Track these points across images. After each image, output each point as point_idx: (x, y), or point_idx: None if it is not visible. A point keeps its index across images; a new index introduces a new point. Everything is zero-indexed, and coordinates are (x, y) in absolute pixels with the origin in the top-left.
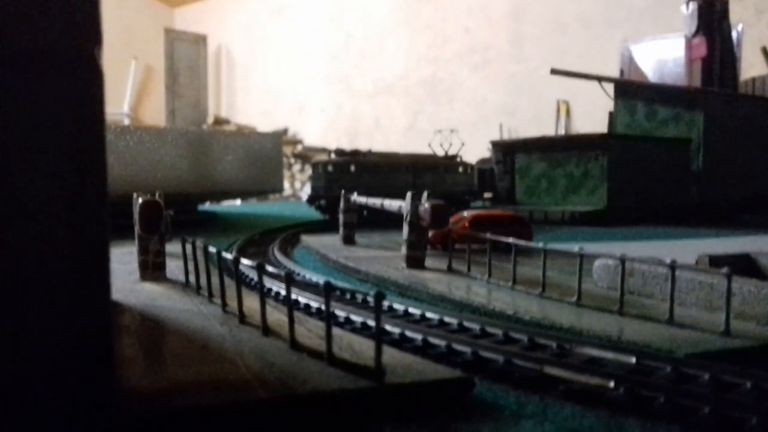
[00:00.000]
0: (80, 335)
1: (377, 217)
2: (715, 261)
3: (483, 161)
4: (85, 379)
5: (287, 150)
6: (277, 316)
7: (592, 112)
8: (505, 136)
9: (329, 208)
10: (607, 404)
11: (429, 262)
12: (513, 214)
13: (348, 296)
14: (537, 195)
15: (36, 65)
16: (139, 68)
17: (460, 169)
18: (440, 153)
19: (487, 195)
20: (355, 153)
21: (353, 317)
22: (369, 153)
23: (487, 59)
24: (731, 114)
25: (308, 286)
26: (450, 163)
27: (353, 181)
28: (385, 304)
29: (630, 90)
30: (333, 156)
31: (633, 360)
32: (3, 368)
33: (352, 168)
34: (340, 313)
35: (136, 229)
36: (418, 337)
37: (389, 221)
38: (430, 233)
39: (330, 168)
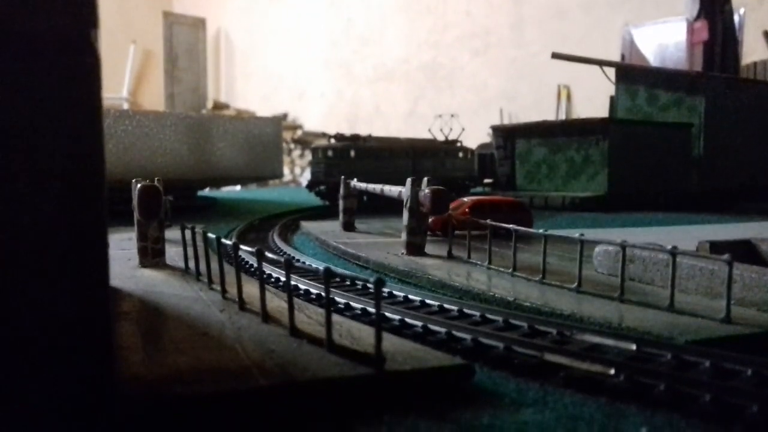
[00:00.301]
0: (79, 322)
1: (377, 203)
2: (716, 247)
3: (483, 146)
4: (84, 366)
5: (287, 135)
6: (276, 302)
7: (593, 97)
8: (506, 122)
9: (329, 193)
10: (607, 391)
11: (429, 248)
12: (513, 199)
13: (348, 282)
14: (537, 180)
15: (32, 48)
16: (138, 52)
17: (460, 155)
18: (440, 138)
19: (488, 180)
20: (355, 138)
21: (353, 304)
22: (369, 138)
23: (488, 44)
24: (732, 99)
25: (308, 273)
26: (450, 148)
27: (353, 166)
28: (385, 290)
29: (631, 74)
30: (333, 141)
31: (633, 347)
32: (1, 356)
33: (352, 153)
34: (340, 300)
35: (136, 215)
36: (418, 323)
37: (389, 207)
38: (430, 219)
39: (330, 153)
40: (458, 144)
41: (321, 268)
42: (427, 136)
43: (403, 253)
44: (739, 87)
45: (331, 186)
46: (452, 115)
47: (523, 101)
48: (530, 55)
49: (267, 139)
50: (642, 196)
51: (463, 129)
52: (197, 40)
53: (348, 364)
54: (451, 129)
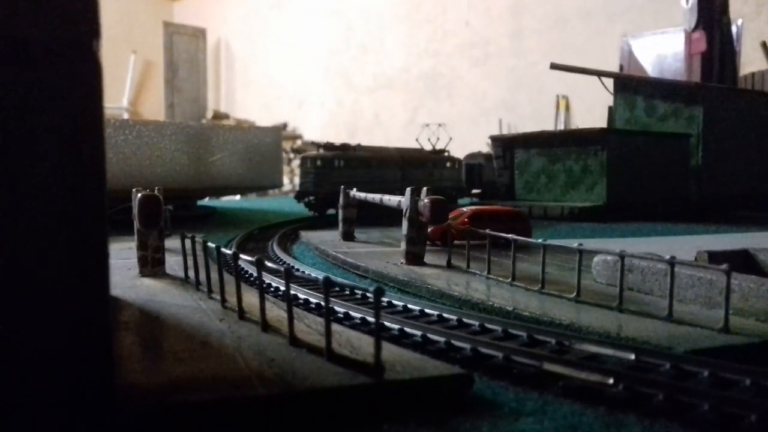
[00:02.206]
0: (79, 331)
1: (370, 212)
2: (715, 257)
3: (471, 156)
4: (84, 374)
5: (287, 145)
6: (276, 311)
7: (592, 107)
8: (505, 131)
9: (318, 204)
10: (606, 401)
11: (428, 257)
12: (512, 209)
13: (347, 292)
14: (536, 190)
15: (34, 57)
16: (138, 62)
17: (448, 164)
18: (428, 147)
19: (476, 191)
20: (344, 147)
21: (352, 313)
22: (359, 147)
23: (487, 54)
24: (731, 109)
25: (307, 282)
26: (438, 158)
27: (342, 176)
28: (384, 299)
29: (629, 85)
30: (322, 150)
31: (632, 356)
32: (2, 364)
33: (341, 163)
34: (340, 309)
35: (136, 224)
36: (418, 333)
37: (385, 217)
38: (430, 229)
39: (318, 163)
40: (446, 154)
41: (320, 277)
42: (423, 146)
43: (402, 263)
44: (737, 97)
45: (320, 197)
46: (440, 125)
47: (522, 111)
48: (529, 65)
49: (267, 149)
50: (640, 206)
51: (451, 138)
52: (197, 50)
53: (347, 373)
54: (438, 138)
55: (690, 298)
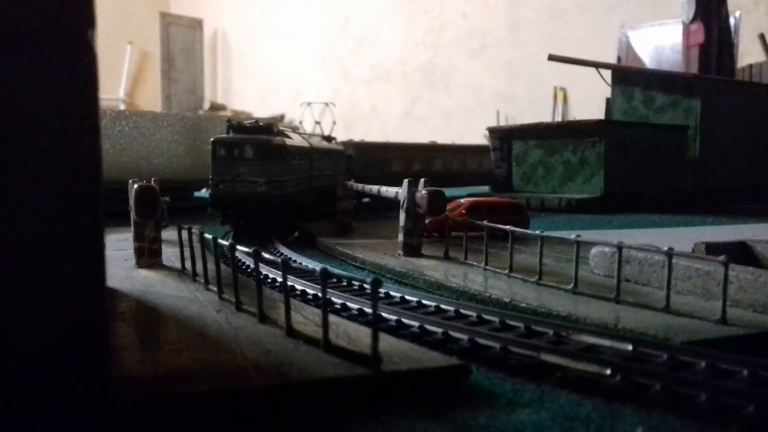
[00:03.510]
0: (75, 322)
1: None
2: (712, 249)
3: (343, 145)
4: (80, 366)
5: None
6: (273, 303)
7: (589, 99)
8: (502, 123)
9: (234, 212)
10: (603, 391)
11: (426, 249)
12: (510, 201)
13: (344, 283)
14: (534, 182)
15: (30, 47)
16: (135, 53)
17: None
18: (310, 128)
19: None
20: (265, 129)
21: (350, 304)
22: (278, 130)
23: (485, 45)
24: (728, 101)
25: (305, 273)
26: (336, 147)
27: (248, 168)
28: (382, 291)
29: (627, 76)
30: (231, 133)
31: (629, 347)
32: None
33: (238, 153)
34: (337, 300)
35: (132, 215)
36: (415, 324)
37: (386, 208)
38: (427, 220)
39: (223, 152)
40: (334, 140)
41: (318, 268)
42: (304, 128)
43: (399, 254)
44: (735, 89)
45: (228, 199)
46: (326, 104)
47: (519, 103)
48: (527, 56)
49: None
50: (638, 198)
51: (335, 122)
52: (194, 40)
53: (345, 364)
54: (317, 122)
55: (687, 290)
